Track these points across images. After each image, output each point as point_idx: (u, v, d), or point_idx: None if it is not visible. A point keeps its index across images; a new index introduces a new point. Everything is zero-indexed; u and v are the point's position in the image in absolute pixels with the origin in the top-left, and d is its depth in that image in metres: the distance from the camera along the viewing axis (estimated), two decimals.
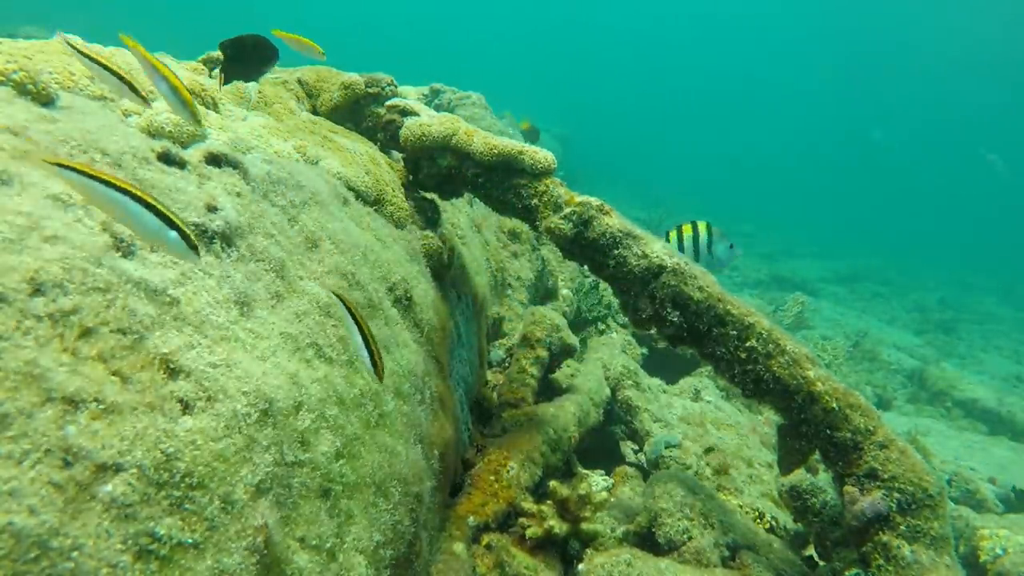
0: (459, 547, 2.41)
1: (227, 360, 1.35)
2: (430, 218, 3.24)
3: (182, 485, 1.11)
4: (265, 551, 1.24)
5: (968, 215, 31.98)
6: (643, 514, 2.91)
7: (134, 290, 1.25)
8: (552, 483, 2.82)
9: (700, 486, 3.06)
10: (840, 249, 20.48)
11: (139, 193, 1.12)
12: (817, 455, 2.61)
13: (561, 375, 4.25)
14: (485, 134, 2.96)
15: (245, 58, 2.28)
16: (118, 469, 1.02)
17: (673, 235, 2.48)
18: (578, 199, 2.83)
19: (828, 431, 2.50)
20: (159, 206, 1.13)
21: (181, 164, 1.73)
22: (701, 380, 5.31)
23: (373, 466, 1.77)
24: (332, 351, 1.78)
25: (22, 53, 1.80)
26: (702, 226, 2.46)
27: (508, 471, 2.86)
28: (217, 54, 2.88)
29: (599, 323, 5.77)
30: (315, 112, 3.37)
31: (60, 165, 1.08)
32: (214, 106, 2.41)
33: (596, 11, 63.12)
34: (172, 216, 1.14)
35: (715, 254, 2.46)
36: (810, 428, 2.54)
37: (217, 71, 2.66)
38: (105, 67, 1.53)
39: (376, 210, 2.72)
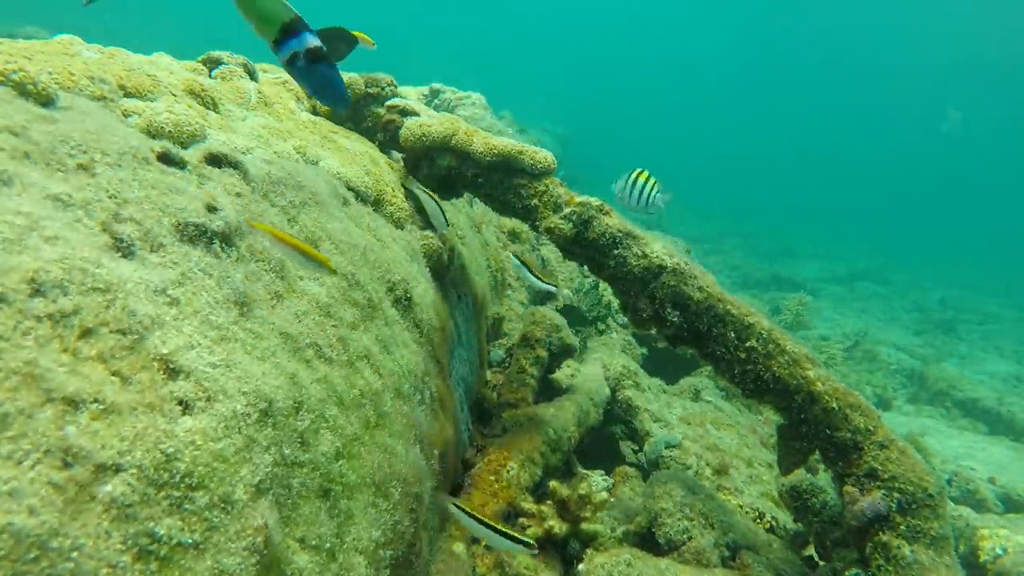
0: (459, 547, 2.41)
1: (227, 360, 1.35)
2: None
3: (182, 485, 1.11)
4: (265, 551, 1.24)
5: (968, 215, 32.02)
6: (643, 514, 2.91)
7: (134, 290, 1.25)
8: (552, 483, 2.82)
9: (700, 486, 3.06)
10: (840, 249, 20.49)
11: (496, 524, 1.96)
12: (817, 455, 2.61)
13: (561, 375, 4.25)
14: (485, 134, 2.96)
15: (329, 42, 2.62)
16: (118, 469, 1.02)
17: (626, 181, 2.91)
18: (578, 199, 2.83)
19: (828, 431, 2.50)
20: (508, 530, 1.96)
21: (181, 164, 1.73)
22: (701, 380, 5.31)
23: (373, 466, 1.77)
24: (332, 351, 1.78)
25: (22, 53, 1.79)
26: (645, 175, 2.91)
27: (508, 471, 2.86)
28: (217, 54, 2.89)
29: (599, 323, 5.77)
30: (315, 112, 3.37)
31: (456, 506, 1.96)
32: (214, 106, 2.41)
33: (596, 11, 63.13)
34: (516, 535, 1.95)
35: (651, 200, 2.91)
36: (810, 428, 2.54)
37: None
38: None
39: (376, 210, 2.72)
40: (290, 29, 1.67)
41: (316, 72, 1.69)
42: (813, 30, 54.16)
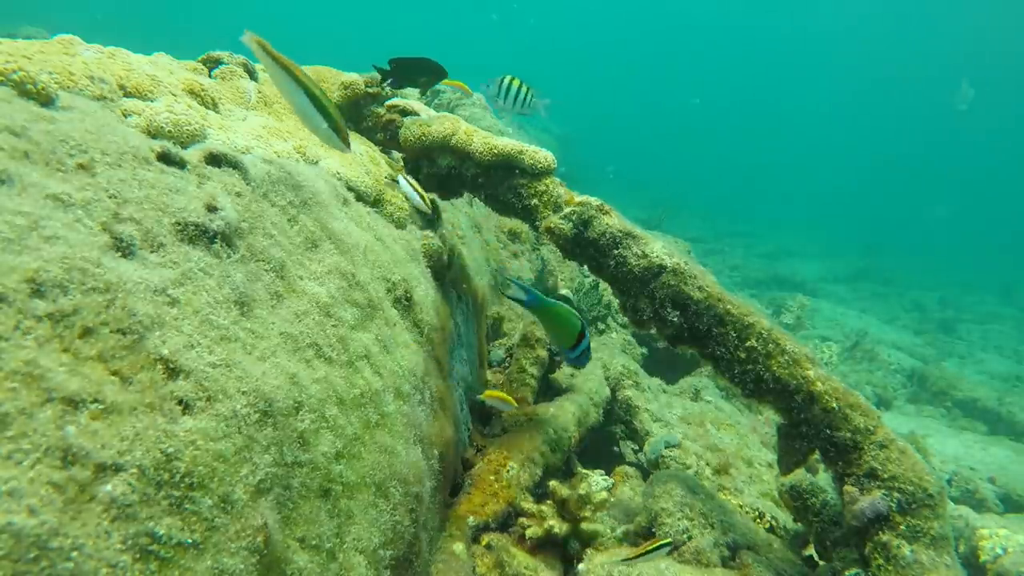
0: (459, 547, 2.41)
1: (227, 360, 1.35)
2: (430, 218, 3.24)
3: (182, 485, 1.11)
4: (265, 551, 1.24)
5: (969, 215, 32.02)
6: (643, 514, 2.91)
7: (134, 290, 1.25)
8: (552, 483, 2.82)
9: (700, 486, 3.06)
10: (840, 249, 20.49)
11: (645, 548, 2.30)
12: (817, 455, 2.61)
13: (561, 375, 4.25)
14: (485, 134, 2.96)
15: (415, 71, 3.02)
16: (118, 469, 1.02)
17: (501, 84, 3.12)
18: (578, 199, 2.83)
19: (828, 431, 2.50)
20: (649, 546, 2.35)
21: (181, 164, 1.73)
22: (701, 380, 5.31)
23: (373, 466, 1.77)
24: (332, 351, 1.78)
25: (22, 53, 1.79)
26: (517, 81, 3.10)
27: (508, 471, 2.86)
28: (217, 54, 2.89)
29: (599, 323, 5.77)
30: None
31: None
32: (214, 106, 2.41)
33: (595, 12, 63.15)
34: (656, 544, 2.32)
35: (528, 103, 3.11)
36: (810, 428, 2.54)
37: (384, 83, 3.22)
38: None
39: (376, 210, 2.72)
40: (581, 333, 2.32)
41: (587, 351, 2.43)
42: (814, 28, 54.13)
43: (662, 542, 2.42)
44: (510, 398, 2.50)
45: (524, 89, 3.05)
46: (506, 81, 3.04)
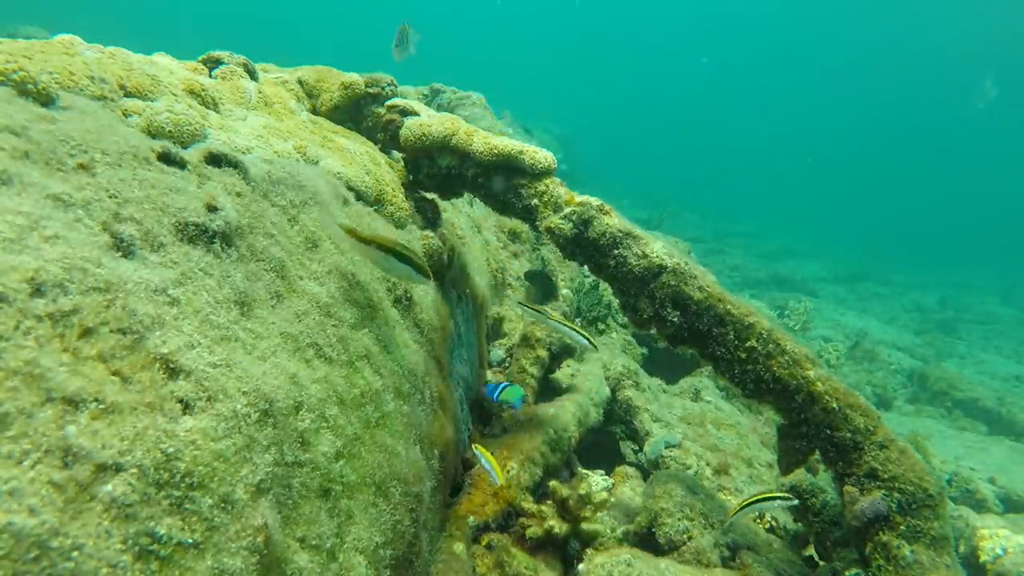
0: (459, 547, 2.41)
1: (227, 360, 1.35)
2: (430, 218, 3.24)
3: (182, 485, 1.11)
4: (265, 551, 1.24)
5: (969, 215, 32.01)
6: (643, 514, 2.91)
7: (134, 290, 1.25)
8: (552, 483, 2.82)
9: (700, 486, 3.06)
10: (840, 249, 20.51)
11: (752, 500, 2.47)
12: (817, 455, 2.61)
13: (561, 375, 4.25)
14: (485, 134, 2.96)
15: None
16: (118, 469, 1.02)
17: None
18: (578, 199, 2.83)
19: (828, 431, 2.50)
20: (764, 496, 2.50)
21: (181, 164, 1.73)
22: (701, 380, 5.31)
23: (373, 466, 1.77)
24: (332, 351, 1.78)
25: (22, 53, 1.79)
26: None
27: (508, 471, 2.86)
28: (218, 54, 2.89)
29: (599, 323, 5.77)
30: (315, 112, 3.37)
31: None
32: (214, 106, 2.41)
33: (596, 11, 63.11)
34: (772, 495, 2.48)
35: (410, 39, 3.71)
36: (810, 428, 2.54)
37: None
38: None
39: (376, 210, 2.72)
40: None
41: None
42: (811, 28, 54.07)
43: (778, 494, 2.48)
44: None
45: (411, 32, 3.68)
46: (409, 28, 3.65)
